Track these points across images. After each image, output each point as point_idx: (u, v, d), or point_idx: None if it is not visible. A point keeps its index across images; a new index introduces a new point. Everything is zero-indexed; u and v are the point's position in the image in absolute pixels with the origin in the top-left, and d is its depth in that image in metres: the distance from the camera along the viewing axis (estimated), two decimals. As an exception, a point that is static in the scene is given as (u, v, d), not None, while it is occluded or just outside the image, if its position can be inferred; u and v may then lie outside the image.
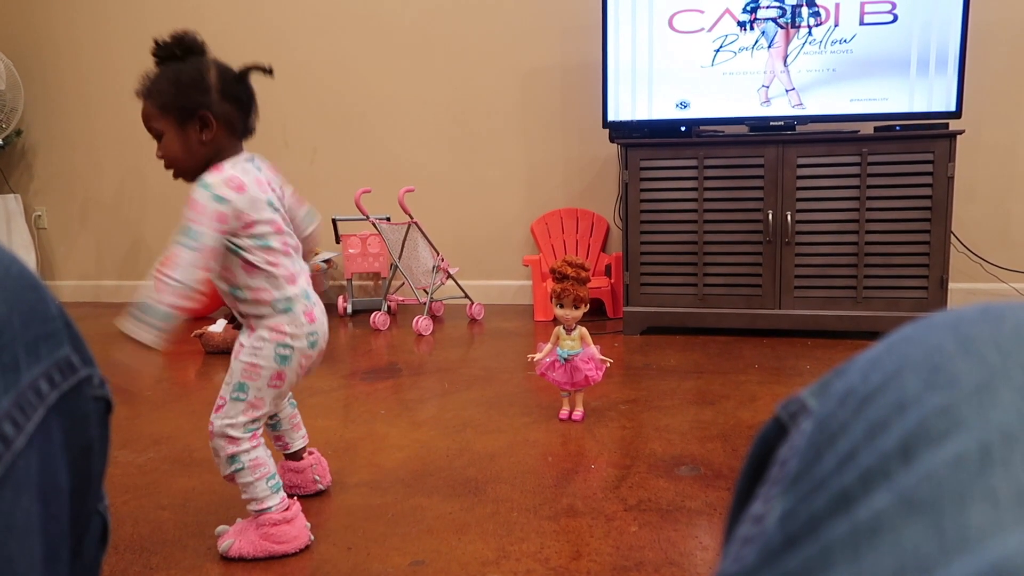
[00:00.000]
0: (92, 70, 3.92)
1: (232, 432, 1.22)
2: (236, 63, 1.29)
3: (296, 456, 1.44)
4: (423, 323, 2.95)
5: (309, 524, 1.26)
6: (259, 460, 1.23)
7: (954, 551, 0.21)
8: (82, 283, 4.12)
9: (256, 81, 1.31)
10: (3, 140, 3.86)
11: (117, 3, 3.81)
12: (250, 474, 1.22)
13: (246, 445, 1.23)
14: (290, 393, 1.43)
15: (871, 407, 0.27)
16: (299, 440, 1.45)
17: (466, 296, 3.26)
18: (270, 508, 1.22)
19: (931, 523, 0.22)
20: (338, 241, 3.37)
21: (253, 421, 1.23)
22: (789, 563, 0.25)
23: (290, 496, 1.31)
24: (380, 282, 3.62)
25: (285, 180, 1.35)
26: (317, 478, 1.43)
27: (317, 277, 3.44)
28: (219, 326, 2.73)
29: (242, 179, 1.20)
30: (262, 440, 1.26)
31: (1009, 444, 0.23)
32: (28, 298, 0.39)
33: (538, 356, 1.86)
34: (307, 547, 1.24)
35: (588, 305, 1.82)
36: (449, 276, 3.18)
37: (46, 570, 0.37)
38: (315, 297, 1.29)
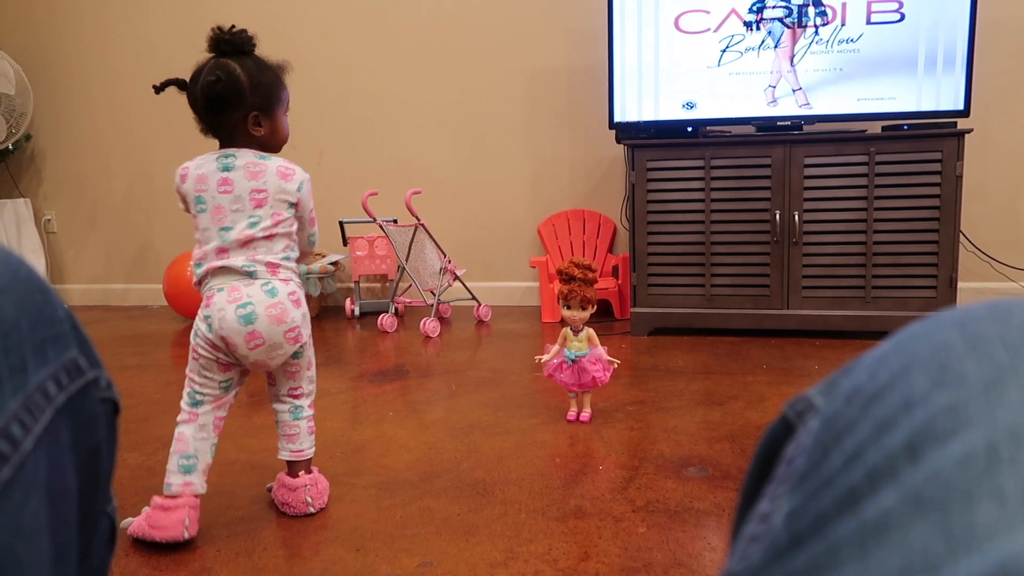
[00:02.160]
0: (99, 75, 3.94)
1: (181, 401, 1.32)
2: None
3: (291, 471, 1.40)
4: (430, 325, 2.95)
5: (188, 521, 1.24)
6: (180, 435, 1.30)
7: (961, 550, 0.21)
8: (91, 287, 4.15)
9: None
10: (13, 145, 3.89)
11: (122, 10, 3.84)
12: (172, 444, 1.30)
13: (182, 416, 1.31)
14: (297, 400, 1.40)
15: (878, 405, 0.27)
16: (287, 452, 1.40)
17: (473, 298, 3.26)
18: (168, 485, 1.28)
19: (938, 522, 0.22)
20: (345, 243, 3.38)
21: (190, 394, 1.32)
22: (795, 561, 0.25)
23: (283, 514, 1.37)
24: (387, 284, 3.62)
25: (305, 195, 1.36)
26: (309, 500, 1.37)
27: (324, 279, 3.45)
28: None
29: (190, 171, 1.32)
30: (199, 419, 1.30)
31: (1017, 442, 0.23)
32: (35, 301, 0.39)
33: (545, 357, 1.86)
34: (180, 542, 1.24)
35: (595, 306, 1.81)
36: (456, 278, 3.19)
37: (55, 572, 0.37)
38: (232, 286, 1.28)
